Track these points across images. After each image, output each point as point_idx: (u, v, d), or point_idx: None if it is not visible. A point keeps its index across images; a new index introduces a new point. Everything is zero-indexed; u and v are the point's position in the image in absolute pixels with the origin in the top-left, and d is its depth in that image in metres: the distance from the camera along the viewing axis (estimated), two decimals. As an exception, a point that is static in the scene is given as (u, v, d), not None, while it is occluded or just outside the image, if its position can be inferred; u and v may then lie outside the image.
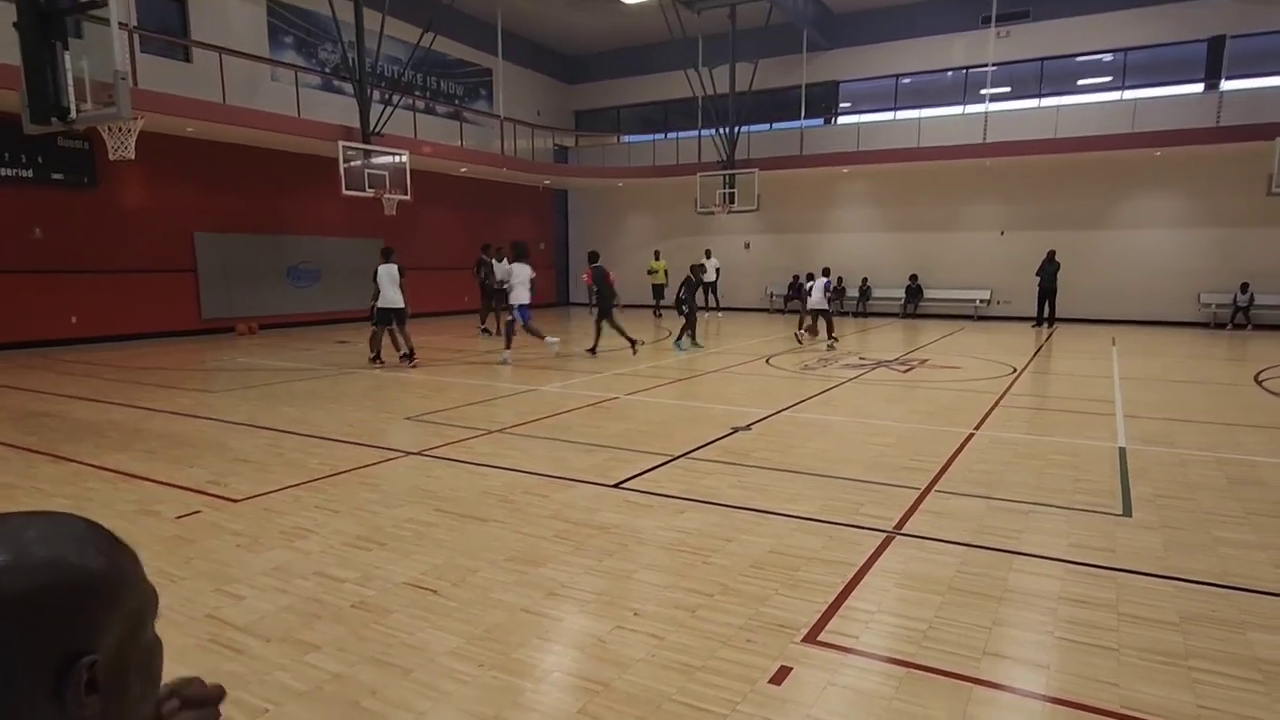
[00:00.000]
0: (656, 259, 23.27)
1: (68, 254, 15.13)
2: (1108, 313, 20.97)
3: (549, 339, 13.06)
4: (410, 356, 12.20)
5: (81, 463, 6.37)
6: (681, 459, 6.34)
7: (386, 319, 12.16)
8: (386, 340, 13.19)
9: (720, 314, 23.05)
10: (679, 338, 14.67)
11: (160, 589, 4.16)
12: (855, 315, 23.17)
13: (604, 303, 13.36)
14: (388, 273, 12.05)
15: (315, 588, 3.91)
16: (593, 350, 13.40)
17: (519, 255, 12.59)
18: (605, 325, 13.56)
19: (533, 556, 4.28)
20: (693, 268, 15.32)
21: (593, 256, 13.86)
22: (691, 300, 14.77)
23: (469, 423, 7.81)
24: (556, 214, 28.66)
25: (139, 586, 0.75)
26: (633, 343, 13.64)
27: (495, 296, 17.36)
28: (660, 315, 22.77)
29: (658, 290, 22.82)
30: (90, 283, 15.50)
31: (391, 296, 12.03)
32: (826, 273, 15.92)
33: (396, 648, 3.28)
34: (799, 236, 24.75)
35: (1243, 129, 18.11)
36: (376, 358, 12.44)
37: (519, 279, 12.40)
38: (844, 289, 23.52)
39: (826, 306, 15.29)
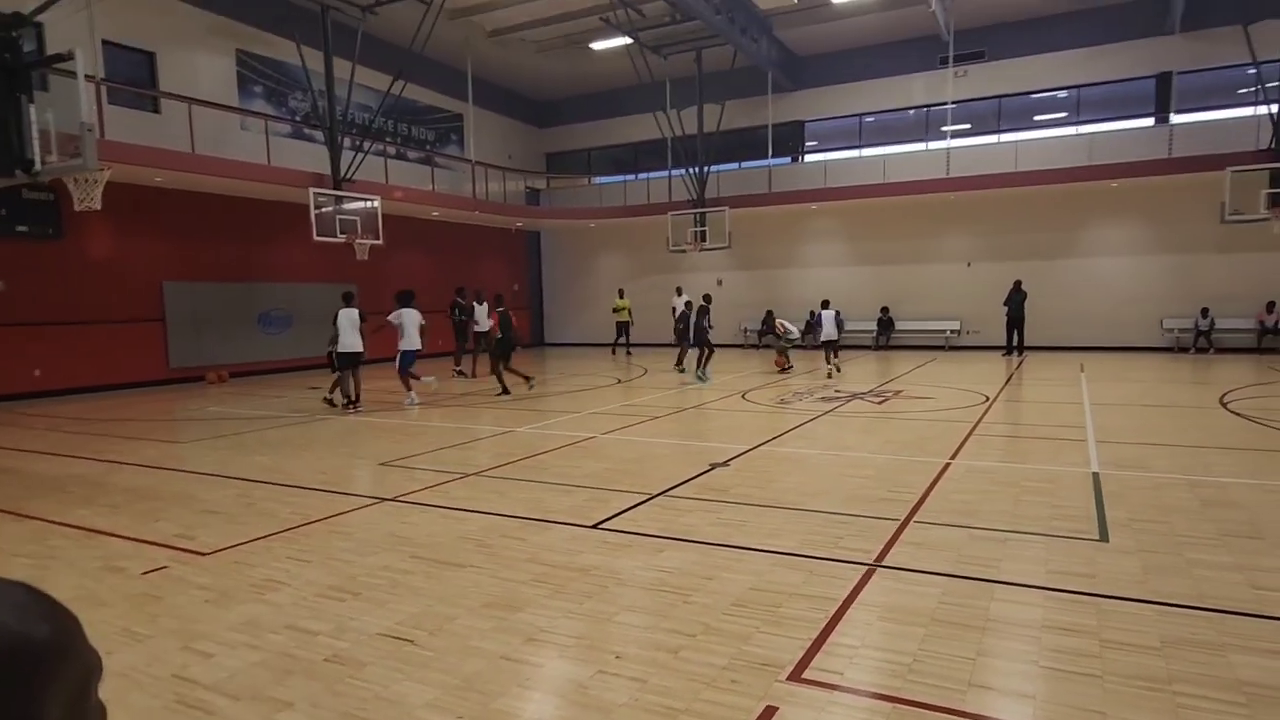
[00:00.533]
0: (621, 297, 23.35)
1: (32, 306, 14.88)
2: (1075, 339, 21.33)
3: (426, 378, 13.19)
4: (337, 404, 12.27)
5: (45, 520, 6.19)
6: (660, 497, 6.29)
7: (348, 363, 12.16)
8: (344, 385, 13.08)
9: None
10: (703, 367, 15.12)
11: (125, 648, 3.99)
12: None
13: (505, 347, 13.36)
14: (348, 317, 12.07)
15: (287, 642, 3.80)
16: (505, 391, 13.35)
17: (404, 302, 12.67)
18: (502, 366, 13.55)
19: (511, 601, 4.21)
20: (705, 297, 15.76)
21: (499, 300, 14.36)
22: (704, 328, 15.13)
23: (444, 466, 7.72)
24: (529, 255, 28.75)
25: (83, 653, 0.72)
26: (528, 379, 13.77)
27: (472, 338, 17.37)
28: (630, 353, 22.80)
29: (621, 328, 22.86)
30: (55, 334, 15.22)
31: (351, 341, 12.04)
32: (827, 305, 16.40)
33: (372, 702, 3.19)
34: (771, 272, 25.00)
35: (1194, 160, 18.70)
36: (350, 403, 12.32)
37: (409, 323, 12.48)
38: (819, 322, 23.79)
39: (837, 337, 15.71)
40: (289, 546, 5.32)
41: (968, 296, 22.41)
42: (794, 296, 23.97)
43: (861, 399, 12.15)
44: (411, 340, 12.52)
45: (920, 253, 22.92)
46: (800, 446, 8.32)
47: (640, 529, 5.46)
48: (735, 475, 7.03)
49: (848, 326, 23.68)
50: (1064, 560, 4.66)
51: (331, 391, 12.84)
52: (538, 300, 28.98)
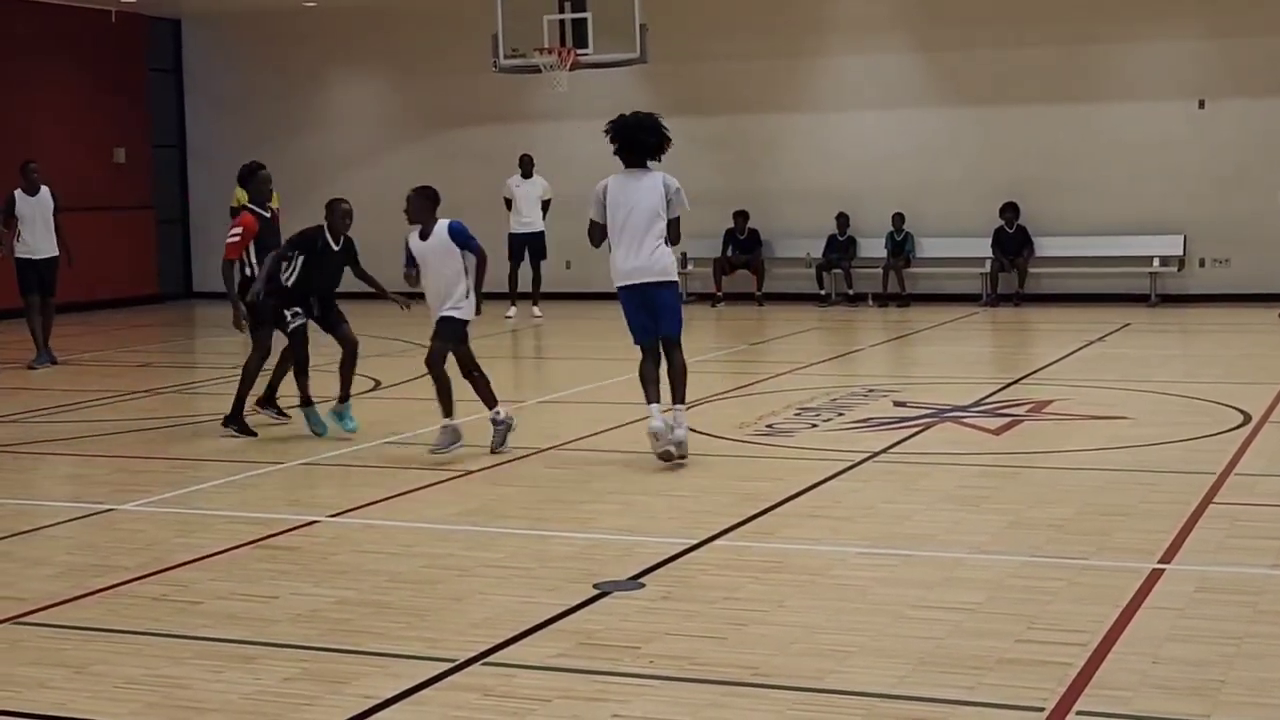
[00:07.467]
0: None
1: None
2: None
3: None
4: None
5: None
6: (476, 665, 3.26)
7: None
8: None
9: (539, 313, 12.25)
10: None
11: None
12: (881, 302, 13.24)
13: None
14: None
15: None
16: None
17: None
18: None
19: None
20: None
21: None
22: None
23: None
24: (157, 91, 14.76)
25: None
26: None
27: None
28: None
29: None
30: None
31: None
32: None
33: None
34: (743, 122, 13.38)
35: None
36: None
37: None
38: (854, 240, 13.22)
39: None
40: None
41: (1199, 177, 12.27)
42: (800, 180, 13.23)
43: (957, 420, 7.31)
44: None
45: (1088, 78, 12.48)
46: (811, 536, 4.78)
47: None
48: (656, 609, 3.73)
49: (927, 251, 13.37)
50: None
51: None
52: (181, 192, 15.18)
